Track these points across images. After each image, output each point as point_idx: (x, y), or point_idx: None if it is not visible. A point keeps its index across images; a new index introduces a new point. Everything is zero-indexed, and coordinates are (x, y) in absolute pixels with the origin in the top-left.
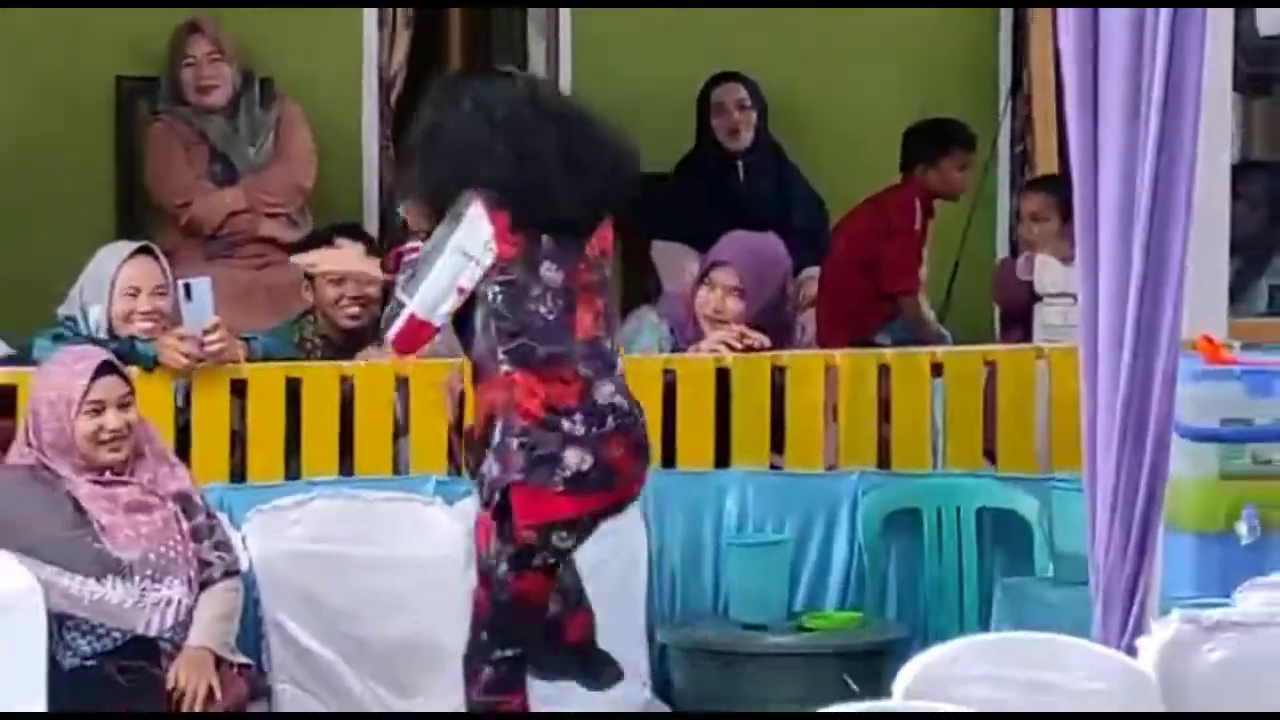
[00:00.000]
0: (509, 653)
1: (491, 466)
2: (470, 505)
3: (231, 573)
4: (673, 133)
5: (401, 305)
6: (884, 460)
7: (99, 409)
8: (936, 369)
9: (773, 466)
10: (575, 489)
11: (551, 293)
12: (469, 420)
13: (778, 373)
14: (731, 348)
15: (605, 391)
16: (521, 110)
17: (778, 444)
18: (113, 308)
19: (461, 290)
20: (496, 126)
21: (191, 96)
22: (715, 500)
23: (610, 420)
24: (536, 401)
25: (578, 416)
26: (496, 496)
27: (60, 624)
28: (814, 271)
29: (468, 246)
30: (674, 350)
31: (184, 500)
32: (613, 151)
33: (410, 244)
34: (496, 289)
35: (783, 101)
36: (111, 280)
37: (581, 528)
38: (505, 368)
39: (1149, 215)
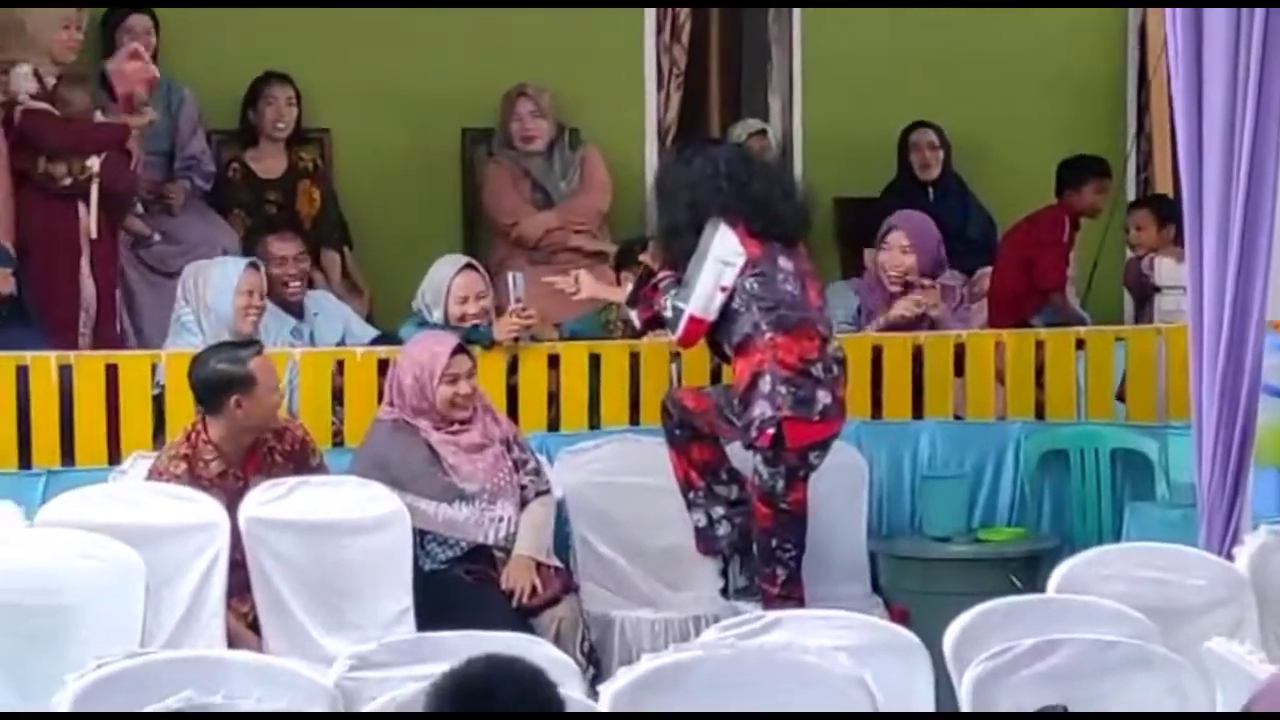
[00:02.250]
0: (793, 551)
1: (764, 409)
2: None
3: (542, 492)
4: (879, 166)
5: (681, 311)
6: (1040, 413)
7: (454, 379)
8: (1080, 344)
9: (956, 417)
10: (824, 418)
11: (790, 276)
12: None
13: (959, 347)
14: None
15: (832, 346)
16: (735, 159)
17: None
18: (448, 312)
19: (724, 289)
20: (719, 171)
21: (518, 144)
22: (912, 443)
23: (835, 367)
24: (794, 355)
25: (819, 365)
26: (770, 430)
27: (421, 537)
28: (986, 271)
29: (724, 255)
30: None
31: (507, 442)
32: (798, 190)
33: (660, 276)
34: (751, 279)
35: (963, 141)
36: (446, 289)
37: (827, 447)
38: (769, 334)
39: (1241, 224)
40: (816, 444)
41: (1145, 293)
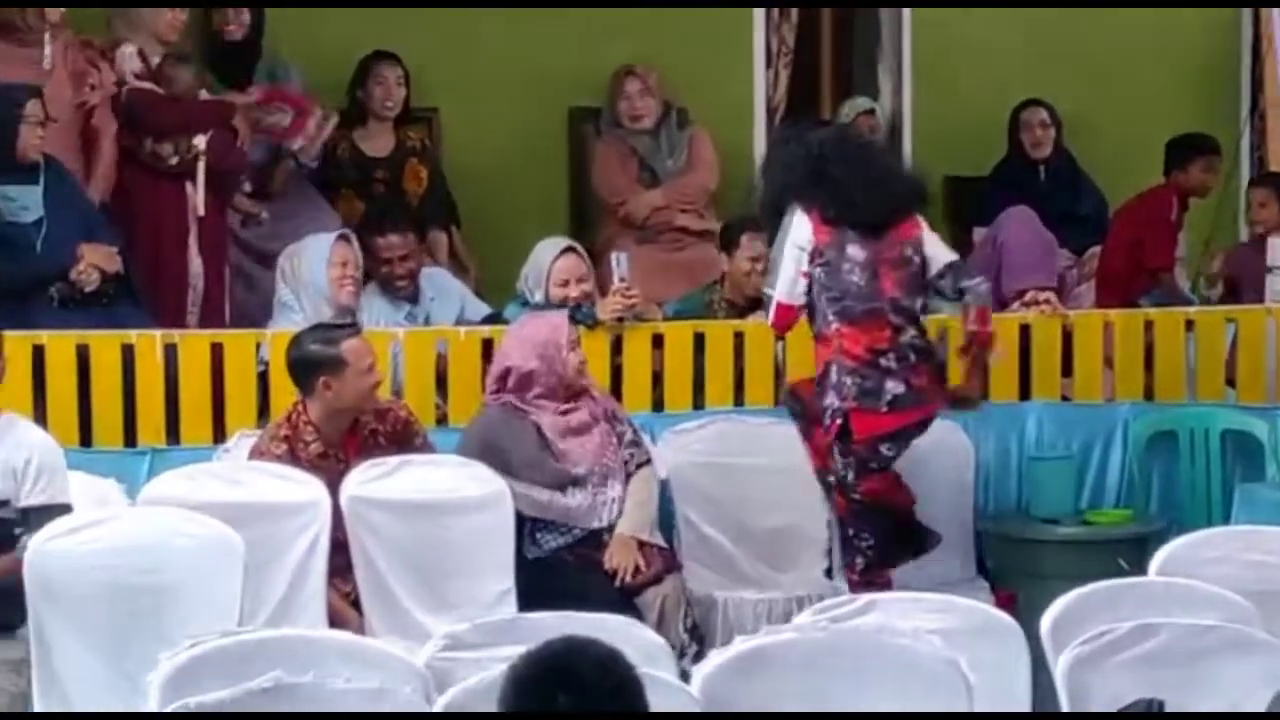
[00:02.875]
0: (870, 540)
1: (832, 399)
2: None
3: (643, 464)
4: (990, 145)
5: (770, 296)
6: (1149, 394)
7: (575, 346)
8: (1189, 325)
9: (1063, 398)
10: (893, 409)
11: (858, 266)
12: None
13: (1067, 328)
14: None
15: (909, 334)
16: (826, 142)
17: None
18: (549, 294)
19: (804, 275)
20: (807, 155)
21: (626, 122)
22: (1019, 424)
23: (913, 355)
24: (861, 346)
25: (891, 355)
26: (838, 421)
27: (532, 525)
28: (1096, 250)
29: (799, 240)
30: None
31: (610, 417)
32: (900, 172)
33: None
34: (819, 268)
35: (1074, 119)
36: (547, 272)
37: (901, 438)
38: (835, 324)
39: None
40: (885, 435)
41: (1237, 284)
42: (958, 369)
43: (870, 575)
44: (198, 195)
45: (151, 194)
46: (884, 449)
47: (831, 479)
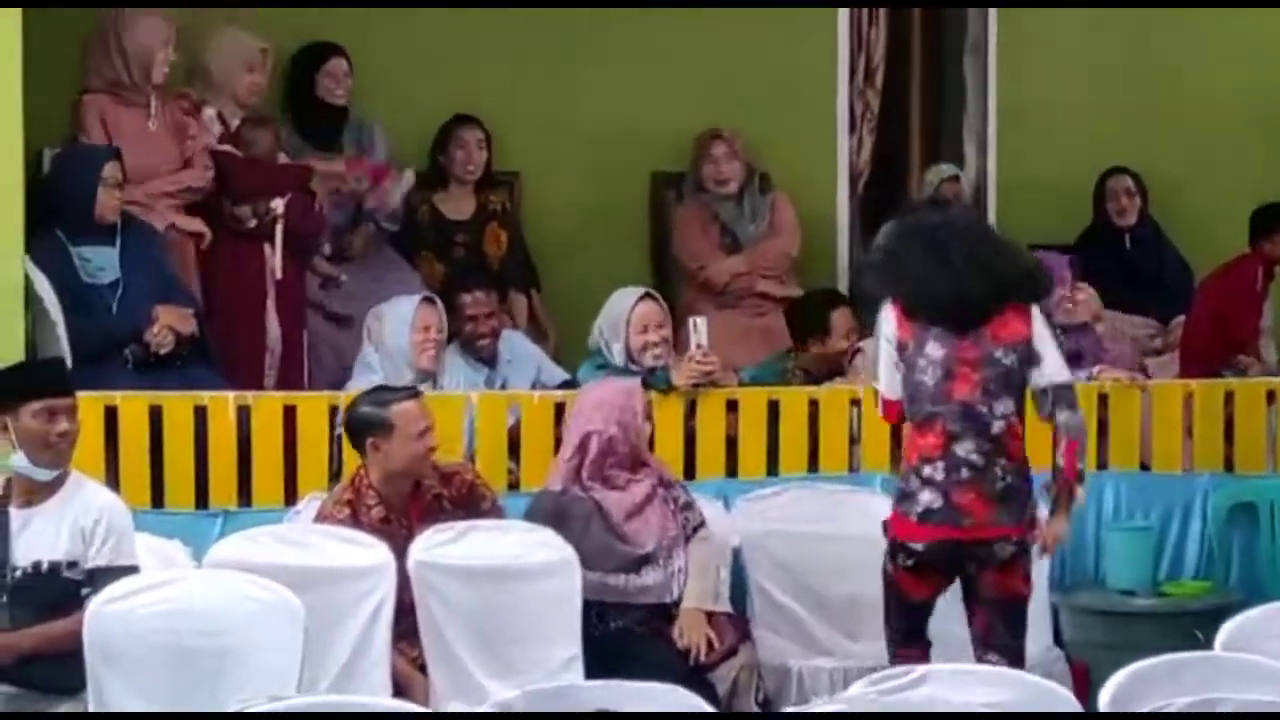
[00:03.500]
0: (893, 624)
1: None
2: None
3: (698, 526)
4: (1076, 212)
5: (875, 389)
6: (1228, 465)
7: (649, 415)
8: (1270, 396)
9: (1142, 468)
10: (924, 521)
11: (933, 365)
12: None
13: (1145, 395)
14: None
15: (965, 448)
16: (909, 230)
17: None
18: (630, 342)
19: (897, 366)
20: (890, 245)
21: (710, 186)
22: (1096, 494)
23: (964, 471)
24: (916, 451)
25: (939, 465)
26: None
27: (604, 607)
28: (1181, 320)
29: (886, 333)
30: None
31: (663, 483)
32: (994, 264)
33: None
34: (902, 364)
35: (1160, 187)
36: (626, 320)
37: (932, 554)
38: (907, 424)
39: None
40: (913, 545)
41: None
42: None
43: (902, 649)
44: (275, 258)
45: (230, 256)
46: (903, 558)
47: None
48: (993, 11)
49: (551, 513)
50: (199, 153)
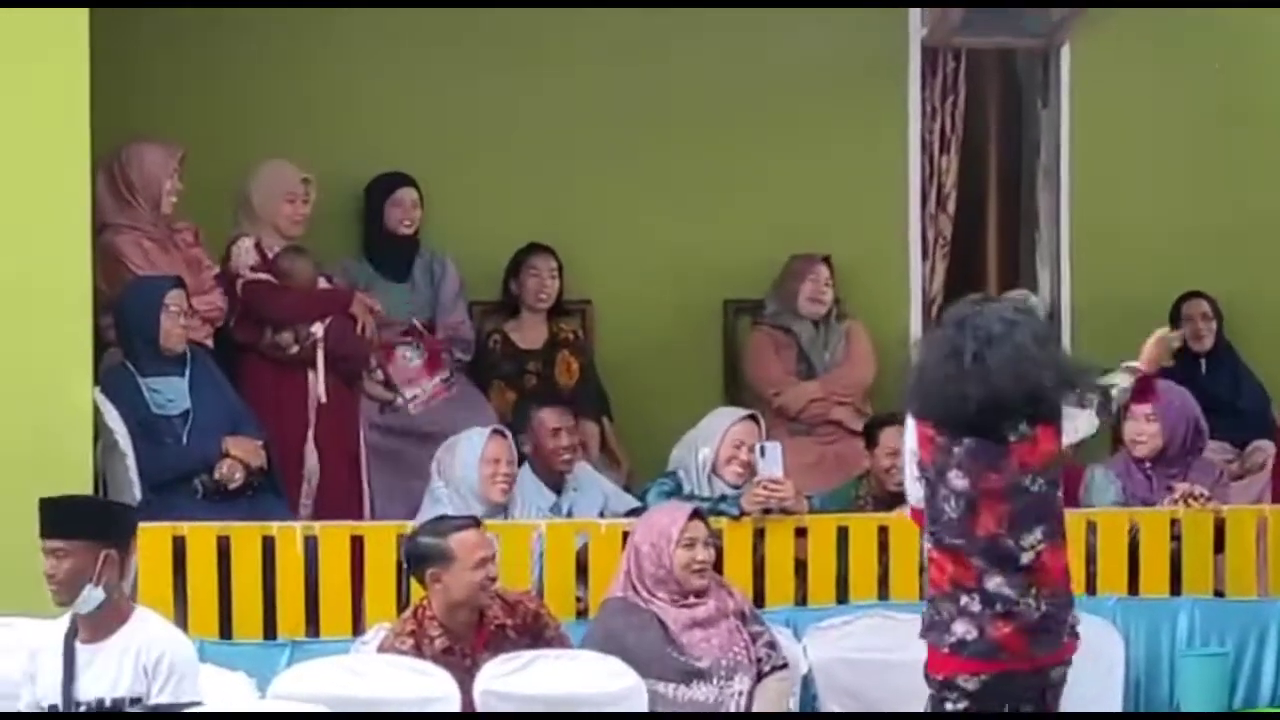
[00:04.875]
0: None
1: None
2: None
3: (779, 667)
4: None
5: (904, 499)
6: None
7: (691, 544)
8: None
9: (1217, 594)
10: (957, 652)
11: (956, 496)
12: None
13: (1219, 522)
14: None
15: (995, 582)
16: (938, 341)
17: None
18: (720, 451)
19: (918, 479)
20: (922, 354)
21: (805, 308)
22: (1171, 619)
23: (998, 605)
24: (945, 577)
25: (976, 596)
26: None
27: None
28: (1260, 444)
29: (910, 445)
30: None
31: (741, 615)
32: (1031, 373)
33: None
34: (924, 484)
35: (1237, 309)
36: (724, 432)
37: (973, 688)
38: (928, 545)
39: None
40: (953, 679)
41: None
42: None
43: None
44: (319, 383)
45: (274, 385)
46: (949, 692)
47: None
48: (1065, 136)
49: (615, 613)
50: (212, 281)
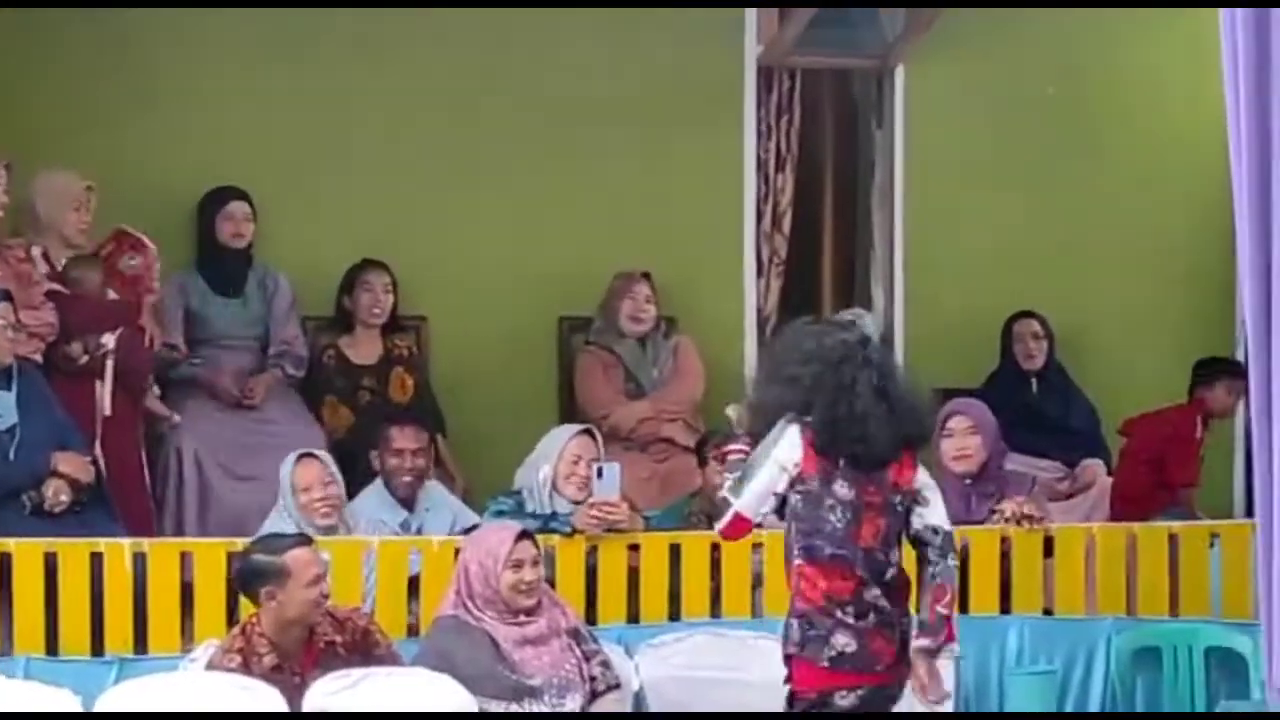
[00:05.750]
0: None
1: (781, 641)
2: None
3: (613, 686)
4: (982, 356)
5: (728, 504)
6: (1131, 609)
7: (519, 565)
8: (1173, 539)
9: (1046, 611)
10: (835, 666)
11: (841, 506)
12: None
13: (1048, 540)
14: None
15: (873, 594)
16: (835, 360)
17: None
18: (560, 468)
19: (775, 494)
20: (812, 367)
21: (626, 326)
22: (1000, 638)
23: (873, 616)
24: (819, 591)
25: (850, 608)
26: (786, 667)
27: None
28: (1089, 463)
29: (783, 459)
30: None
31: (574, 634)
32: (912, 404)
33: (732, 445)
34: (797, 495)
35: (1066, 331)
36: (561, 449)
37: (849, 704)
38: (798, 560)
39: None
40: (838, 693)
41: None
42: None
43: None
44: (106, 395)
45: (66, 394)
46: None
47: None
48: (899, 157)
49: (446, 631)
50: (43, 297)
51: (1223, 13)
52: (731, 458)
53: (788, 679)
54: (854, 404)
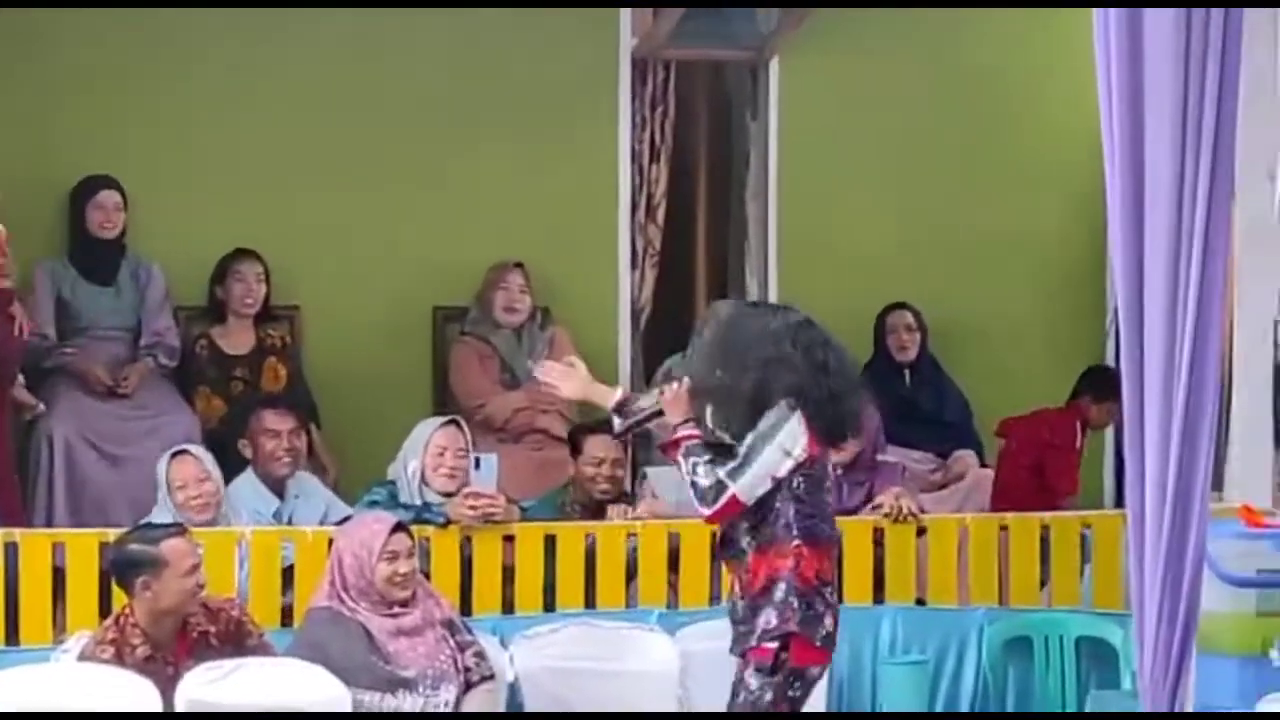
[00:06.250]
0: None
1: (770, 619)
2: (688, 635)
3: (487, 677)
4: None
5: (725, 487)
6: (1004, 598)
7: (393, 557)
8: (1045, 530)
9: (918, 602)
10: (823, 646)
11: (832, 487)
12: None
13: (921, 531)
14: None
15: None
16: (816, 344)
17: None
18: (426, 460)
19: (774, 479)
20: (798, 351)
21: (500, 317)
22: (873, 628)
23: (832, 595)
24: (813, 571)
25: (829, 590)
26: (773, 645)
27: None
28: (961, 454)
29: (789, 445)
30: None
31: (449, 625)
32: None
33: (683, 433)
34: (800, 478)
35: (940, 324)
36: (426, 441)
37: (814, 676)
38: (797, 542)
39: (1184, 405)
40: (812, 670)
41: None
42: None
43: None
44: None
45: None
46: (799, 686)
47: (739, 699)
48: (773, 148)
49: (320, 622)
50: None
51: (1096, 12)
52: (689, 444)
53: (778, 656)
54: (833, 384)
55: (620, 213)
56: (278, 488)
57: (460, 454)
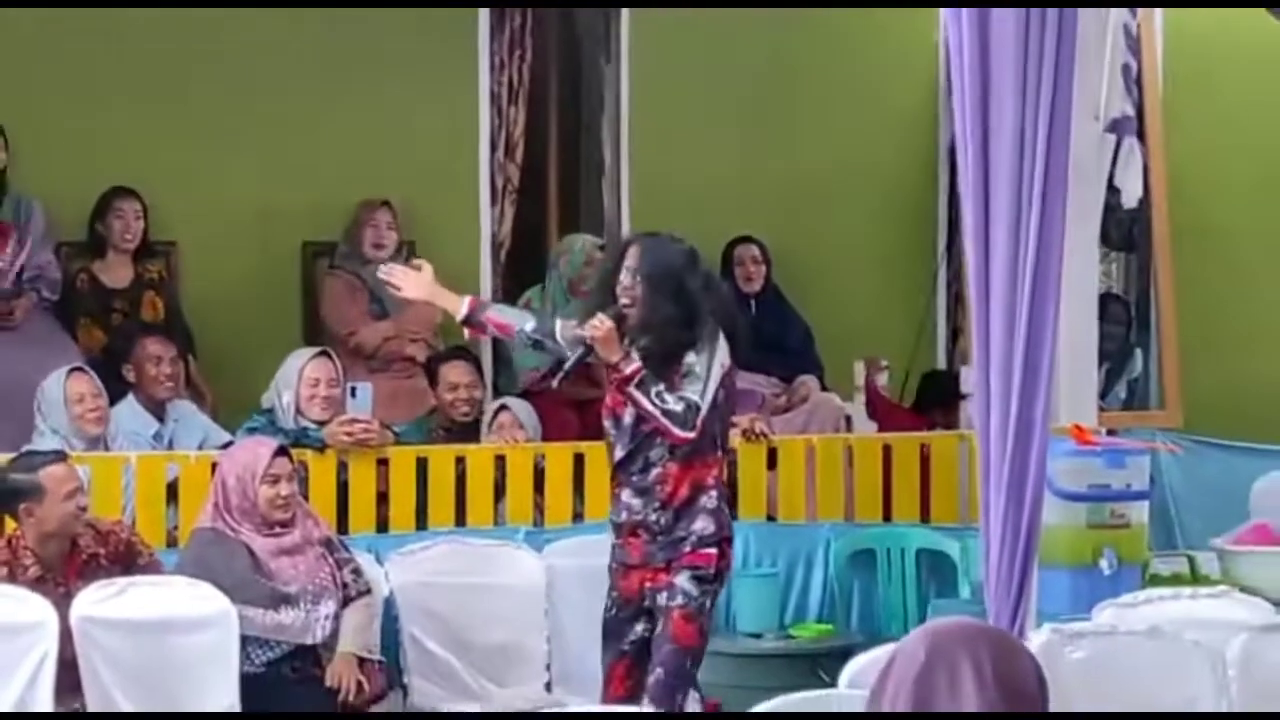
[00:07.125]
0: (696, 671)
1: (706, 526)
2: (553, 551)
3: (364, 592)
4: None
5: (697, 406)
6: (849, 514)
7: (275, 480)
8: (887, 449)
9: (769, 518)
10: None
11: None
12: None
13: (771, 450)
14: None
15: None
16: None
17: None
18: (300, 392)
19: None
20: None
21: (369, 252)
22: None
23: None
24: (724, 480)
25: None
26: (714, 549)
27: (244, 642)
28: (805, 378)
29: (723, 359)
30: None
31: (327, 543)
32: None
33: (633, 366)
34: (723, 392)
35: (783, 255)
36: (299, 373)
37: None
38: (720, 452)
39: (1026, 329)
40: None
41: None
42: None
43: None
44: None
45: None
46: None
47: (676, 602)
48: (625, 90)
49: (205, 542)
50: None
51: None
52: (641, 375)
53: (717, 564)
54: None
55: (481, 151)
56: (158, 411)
57: (332, 384)
